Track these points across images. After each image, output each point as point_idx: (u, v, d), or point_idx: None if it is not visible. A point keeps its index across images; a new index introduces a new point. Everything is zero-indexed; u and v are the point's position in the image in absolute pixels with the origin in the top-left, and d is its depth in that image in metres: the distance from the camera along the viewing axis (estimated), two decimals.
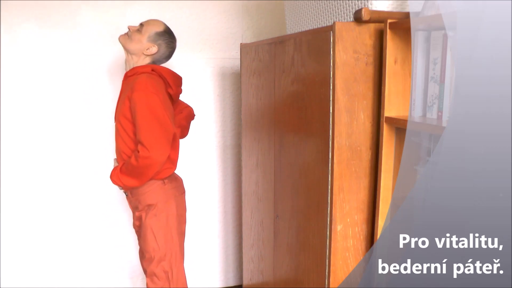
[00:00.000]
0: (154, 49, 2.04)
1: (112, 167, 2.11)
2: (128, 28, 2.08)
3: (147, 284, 2.12)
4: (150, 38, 2.04)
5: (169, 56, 2.13)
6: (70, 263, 2.69)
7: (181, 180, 2.22)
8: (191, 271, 2.95)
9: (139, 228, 2.16)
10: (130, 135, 2.00)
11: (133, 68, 2.05)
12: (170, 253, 2.10)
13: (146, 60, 2.07)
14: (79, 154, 2.61)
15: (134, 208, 2.14)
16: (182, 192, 2.20)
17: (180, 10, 2.65)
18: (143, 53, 2.05)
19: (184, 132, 2.28)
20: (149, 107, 1.91)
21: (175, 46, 2.13)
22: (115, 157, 2.14)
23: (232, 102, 2.86)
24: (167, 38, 2.08)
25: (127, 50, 2.07)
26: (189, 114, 2.33)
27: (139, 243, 2.24)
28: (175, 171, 2.17)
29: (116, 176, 2.01)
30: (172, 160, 2.07)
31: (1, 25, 2.38)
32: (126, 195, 2.16)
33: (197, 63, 2.73)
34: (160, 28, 2.07)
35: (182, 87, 2.22)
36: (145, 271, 2.15)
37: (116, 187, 2.27)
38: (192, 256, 2.93)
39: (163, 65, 2.15)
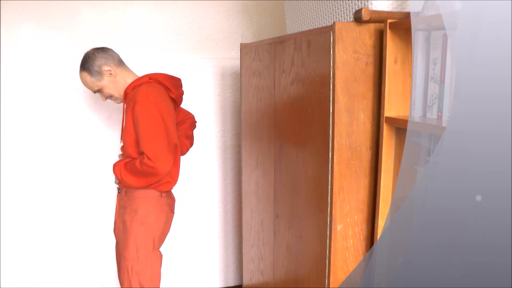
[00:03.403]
0: (107, 68, 2.04)
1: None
2: (105, 98, 2.12)
3: None
4: (99, 73, 2.04)
5: (114, 53, 2.11)
6: (70, 263, 2.69)
7: (175, 200, 2.22)
8: (191, 271, 2.95)
9: (120, 232, 2.11)
10: (134, 145, 2.00)
11: (130, 84, 2.05)
12: (150, 268, 2.06)
13: (122, 75, 2.07)
14: (78, 154, 2.61)
15: (121, 207, 2.11)
16: (173, 211, 2.19)
17: (180, 10, 2.65)
18: (115, 78, 2.06)
19: (191, 141, 2.30)
20: (152, 118, 1.90)
21: (99, 46, 2.11)
22: (120, 153, 2.14)
23: (232, 102, 2.86)
24: (95, 56, 2.05)
25: (118, 96, 2.11)
26: (192, 123, 2.34)
27: (117, 248, 2.16)
28: (172, 190, 2.16)
29: (118, 169, 2.01)
30: (172, 174, 2.06)
31: (1, 25, 2.38)
32: (119, 192, 2.14)
33: (197, 63, 2.73)
34: (85, 67, 2.04)
35: (183, 88, 2.21)
36: (120, 282, 2.09)
37: (112, 182, 2.24)
38: (192, 256, 2.93)
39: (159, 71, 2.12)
